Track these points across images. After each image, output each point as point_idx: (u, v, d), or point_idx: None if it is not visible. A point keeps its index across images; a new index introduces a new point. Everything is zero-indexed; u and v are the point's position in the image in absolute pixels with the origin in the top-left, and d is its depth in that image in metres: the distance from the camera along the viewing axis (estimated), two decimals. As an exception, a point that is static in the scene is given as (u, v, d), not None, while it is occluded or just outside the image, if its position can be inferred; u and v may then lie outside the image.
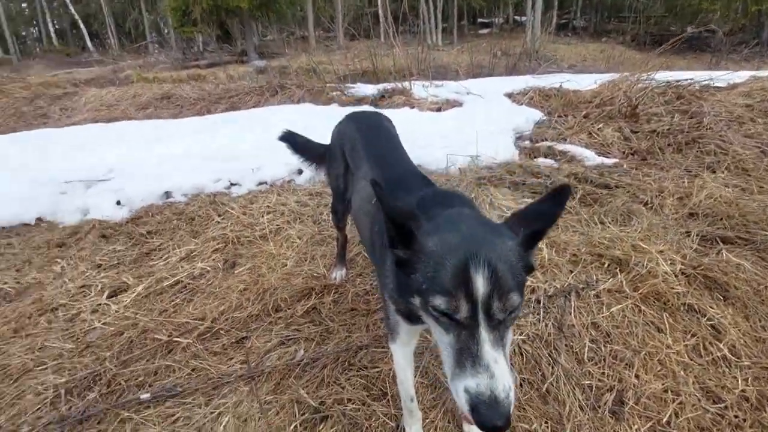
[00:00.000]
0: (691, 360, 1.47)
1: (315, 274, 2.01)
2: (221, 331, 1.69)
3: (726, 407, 1.32)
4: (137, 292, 1.91)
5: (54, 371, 1.52)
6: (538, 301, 1.68)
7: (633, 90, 3.81)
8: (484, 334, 0.64)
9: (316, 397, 1.42)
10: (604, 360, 1.48)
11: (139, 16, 28.73)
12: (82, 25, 26.84)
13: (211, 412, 1.37)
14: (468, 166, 2.93)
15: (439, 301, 0.65)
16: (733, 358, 1.47)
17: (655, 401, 1.35)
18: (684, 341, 1.53)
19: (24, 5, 33.87)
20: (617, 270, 1.82)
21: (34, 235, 2.51)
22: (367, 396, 1.42)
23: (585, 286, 1.74)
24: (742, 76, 4.86)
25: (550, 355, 1.50)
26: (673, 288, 1.70)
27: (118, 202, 2.87)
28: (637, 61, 7.41)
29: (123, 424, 1.35)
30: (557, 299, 1.69)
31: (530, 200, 2.44)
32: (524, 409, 1.35)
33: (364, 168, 1.37)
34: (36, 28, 36.73)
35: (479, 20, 25.40)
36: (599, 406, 1.33)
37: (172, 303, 1.86)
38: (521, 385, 1.42)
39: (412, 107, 4.87)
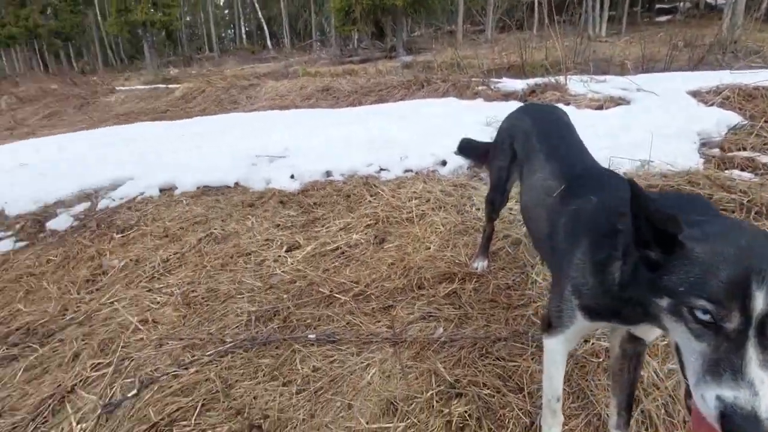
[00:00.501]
0: None
1: (457, 261, 2.09)
2: (372, 296, 1.90)
3: None
4: (306, 251, 2.28)
5: (248, 301, 1.94)
6: None
7: None
8: (752, 352, 0.63)
9: (452, 374, 1.50)
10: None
11: (309, 18, 32.63)
12: (265, 27, 31.65)
13: (361, 362, 1.57)
14: (636, 171, 2.61)
15: (705, 307, 0.65)
16: None
17: None
18: None
19: (226, 11, 41.54)
20: None
21: (233, 196, 3.16)
22: (503, 386, 1.44)
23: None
24: None
25: None
26: None
27: (292, 176, 3.40)
28: None
29: (293, 354, 1.64)
30: None
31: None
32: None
33: (540, 162, 1.37)
34: (232, 30, 45.00)
35: (657, 6, 21.76)
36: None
37: (333, 265, 2.16)
38: None
39: (568, 104, 4.51)
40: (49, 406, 1.53)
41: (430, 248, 2.22)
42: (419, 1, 15.74)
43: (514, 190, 1.78)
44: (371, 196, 2.85)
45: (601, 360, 1.50)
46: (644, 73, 6.11)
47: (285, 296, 1.95)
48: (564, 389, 1.41)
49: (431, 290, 1.91)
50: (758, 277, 0.62)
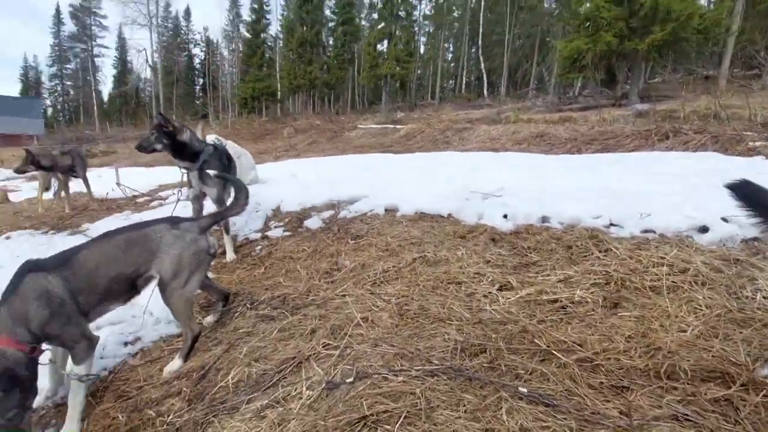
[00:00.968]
0: None
1: (732, 359, 1.55)
2: (600, 367, 1.60)
3: None
4: (520, 294, 2.13)
5: (456, 329, 1.92)
6: None
7: None
8: None
9: None
10: None
11: (529, 68, 32.81)
12: (484, 77, 33.41)
13: (583, 443, 1.31)
14: None
15: None
16: None
17: None
18: None
19: (452, 64, 45.89)
20: None
21: (446, 225, 3.30)
22: None
23: None
24: None
25: None
26: None
27: (505, 216, 3.33)
28: None
29: (499, 401, 1.51)
30: None
31: None
32: None
33: None
34: (453, 81, 49.47)
35: None
36: None
37: (550, 317, 1.94)
38: None
39: None
40: (290, 366, 1.85)
41: (686, 331, 1.73)
42: (669, 43, 13.62)
43: None
44: (600, 252, 2.48)
45: None
46: None
47: (494, 335, 1.85)
48: None
49: (690, 386, 1.46)
50: None
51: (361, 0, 37.28)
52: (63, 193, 5.77)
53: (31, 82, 57.70)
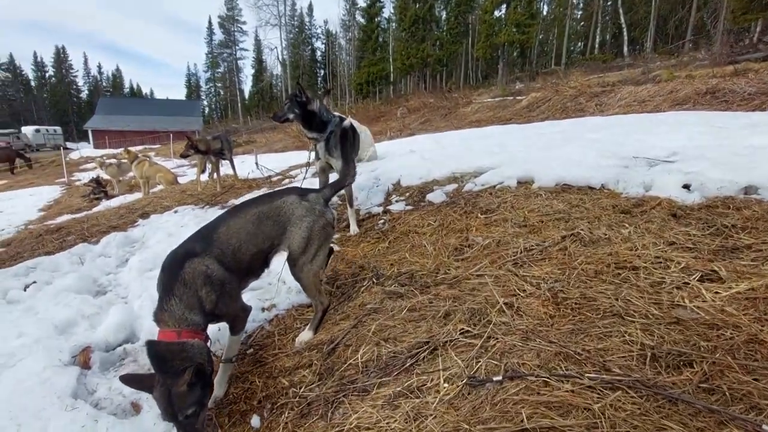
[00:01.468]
0: None
1: None
2: None
3: None
4: (738, 289, 1.52)
5: (641, 329, 1.45)
6: None
7: None
8: None
9: None
10: None
11: (686, 15, 26.89)
12: (625, 33, 28.56)
13: None
14: None
15: None
16: None
17: None
18: None
19: (581, 24, 40.39)
20: None
21: (600, 198, 2.69)
22: None
23: None
24: None
25: None
26: None
27: (686, 186, 2.56)
28: None
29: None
30: None
31: None
32: None
33: None
34: (582, 43, 43.50)
35: None
36: None
37: (800, 324, 1.32)
38: None
39: None
40: (423, 351, 1.62)
41: None
42: None
43: None
44: None
45: None
46: None
47: (704, 343, 1.33)
48: None
49: None
50: None
51: (476, -34, 34.93)
52: (215, 175, 6.61)
53: (192, 87, 69.59)
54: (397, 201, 3.60)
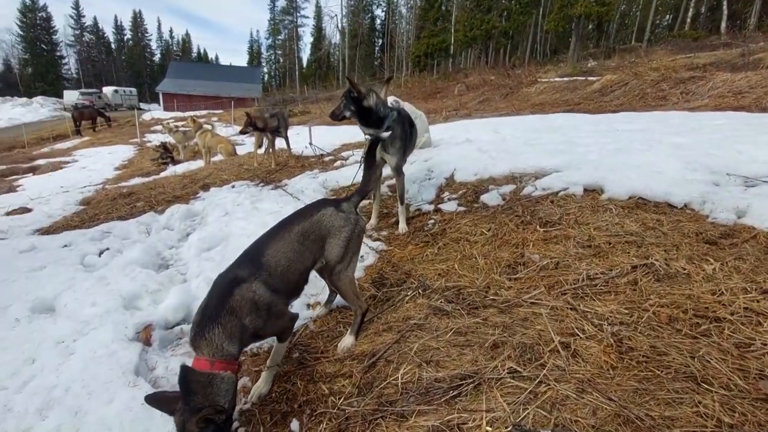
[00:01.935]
0: None
1: None
2: None
3: None
4: None
5: (719, 400, 1.27)
6: None
7: None
8: None
9: None
10: None
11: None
12: (724, 5, 25.03)
13: None
14: None
15: None
16: None
17: None
18: None
19: (673, -6, 35.91)
20: None
21: (682, 222, 2.40)
22: None
23: None
24: None
25: None
26: None
27: (794, 216, 2.21)
28: None
29: None
30: None
31: None
32: None
33: None
34: (670, 15, 38.75)
35: None
36: None
37: None
38: None
39: None
40: (467, 385, 1.55)
41: None
42: None
43: None
44: None
45: None
46: None
47: (801, 433, 1.14)
48: None
49: None
50: None
51: (556, -73, 31.74)
52: (271, 150, 6.78)
53: (254, 54, 71.31)
54: (449, 199, 3.47)
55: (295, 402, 1.82)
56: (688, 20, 30.39)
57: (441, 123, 9.62)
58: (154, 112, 37.61)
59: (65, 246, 3.97)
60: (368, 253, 2.89)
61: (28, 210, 6.53)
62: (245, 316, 1.61)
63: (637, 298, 1.80)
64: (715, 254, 2.04)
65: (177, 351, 2.34)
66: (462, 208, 3.24)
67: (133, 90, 49.38)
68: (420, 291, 2.27)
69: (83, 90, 43.27)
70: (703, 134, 3.95)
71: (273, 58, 66.40)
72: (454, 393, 1.54)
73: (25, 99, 42.90)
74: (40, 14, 57.16)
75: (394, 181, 3.46)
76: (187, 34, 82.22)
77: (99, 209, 5.83)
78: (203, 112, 32.91)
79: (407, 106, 5.46)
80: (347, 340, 2.05)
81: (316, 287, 2.65)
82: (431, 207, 3.41)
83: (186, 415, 1.40)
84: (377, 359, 1.86)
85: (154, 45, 74.72)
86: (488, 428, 1.37)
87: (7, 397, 1.97)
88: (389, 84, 3.57)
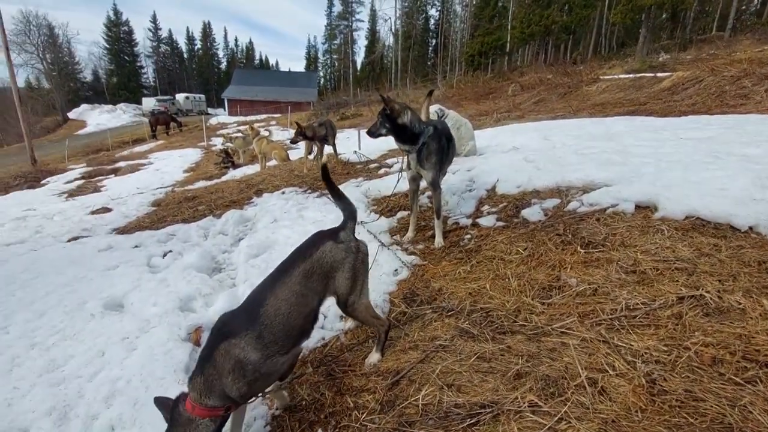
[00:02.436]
0: None
1: None
2: None
3: None
4: None
5: (763, 461, 1.17)
6: None
7: None
8: None
9: None
10: None
11: None
12: (831, -15, 21.86)
13: None
14: None
15: None
16: None
17: None
18: None
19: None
20: None
21: (743, 247, 2.18)
22: None
23: None
24: None
25: None
26: None
27: None
28: None
29: None
30: None
31: None
32: None
33: None
34: (758, 0, 34.45)
35: None
36: None
37: None
38: None
39: None
40: (486, 414, 1.55)
41: None
42: None
43: None
44: None
45: None
46: None
47: None
48: None
49: None
50: None
51: None
52: (320, 157, 7.06)
53: (311, 59, 74.02)
54: (488, 213, 3.41)
55: (323, 412, 1.92)
56: (785, 4, 26.87)
57: (490, 127, 9.40)
58: (220, 116, 40.45)
59: (136, 246, 4.44)
60: (402, 267, 2.94)
61: (109, 210, 7.37)
62: (227, 374, 1.54)
63: (679, 334, 1.68)
64: (778, 287, 1.84)
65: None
66: (500, 224, 3.17)
67: (202, 96, 53.42)
68: (449, 310, 2.27)
69: (159, 97, 47.60)
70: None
71: (329, 62, 68.49)
72: (472, 421, 1.55)
73: (110, 106, 48.18)
74: (123, 28, 63.65)
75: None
76: (251, 42, 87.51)
77: (167, 211, 6.43)
78: (263, 116, 34.78)
79: (452, 114, 5.42)
80: (373, 357, 2.11)
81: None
82: (469, 221, 3.38)
83: None
84: (401, 377, 1.91)
85: (221, 53, 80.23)
86: (503, 461, 1.37)
87: (80, 384, 2.28)
88: (431, 97, 3.59)
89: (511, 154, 5.01)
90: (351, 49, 58.21)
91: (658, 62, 18.27)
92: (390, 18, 48.46)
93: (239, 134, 12.00)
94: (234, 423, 1.83)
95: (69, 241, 5.23)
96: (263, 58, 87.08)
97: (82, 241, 5.05)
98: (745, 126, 4.52)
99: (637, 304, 1.90)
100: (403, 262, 2.96)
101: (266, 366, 1.63)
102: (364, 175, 5.88)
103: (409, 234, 3.39)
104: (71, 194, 11.51)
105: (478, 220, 3.32)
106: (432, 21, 55.68)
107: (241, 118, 35.98)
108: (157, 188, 10.05)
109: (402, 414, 1.72)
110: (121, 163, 16.92)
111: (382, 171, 5.88)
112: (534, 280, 2.32)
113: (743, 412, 1.31)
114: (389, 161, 6.44)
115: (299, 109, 35.08)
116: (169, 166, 15.06)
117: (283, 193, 5.83)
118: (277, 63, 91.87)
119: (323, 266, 1.83)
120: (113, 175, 14.65)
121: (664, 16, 28.99)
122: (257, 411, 2.04)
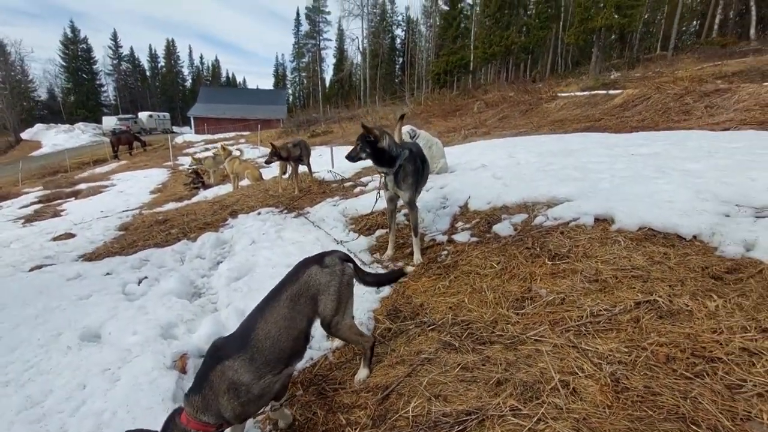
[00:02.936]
0: None
1: None
2: None
3: None
4: (841, 414, 1.34)
5: (709, 444, 1.35)
6: None
7: None
8: None
9: None
10: None
11: None
12: (753, 10, 24.35)
13: None
14: None
15: None
16: None
17: None
18: None
19: None
20: None
21: (689, 254, 2.45)
22: None
23: None
24: None
25: None
26: None
27: (802, 251, 2.23)
28: None
29: None
30: None
31: None
32: None
33: None
34: (697, 22, 37.84)
35: None
36: None
37: None
38: None
39: None
40: (472, 420, 1.67)
41: None
42: None
43: None
44: None
45: None
46: None
47: (784, 478, 1.21)
48: None
49: None
50: None
51: (573, -58, 31.85)
52: (294, 177, 7.12)
53: (279, 76, 74.01)
54: (462, 229, 3.60)
55: (317, 431, 1.98)
56: (716, 26, 29.64)
57: (459, 144, 9.78)
58: (186, 135, 39.49)
59: (107, 274, 4.32)
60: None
61: (72, 235, 7.06)
62: (222, 394, 1.63)
63: (637, 336, 1.88)
64: (719, 290, 2.09)
65: (209, 379, 2.55)
66: (474, 239, 3.36)
67: (167, 114, 52.08)
68: (431, 325, 2.40)
69: (120, 116, 45.99)
70: (719, 159, 3.94)
71: (297, 79, 68.70)
72: (460, 428, 1.66)
73: (67, 126, 46.04)
74: (81, 46, 61.44)
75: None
76: (217, 60, 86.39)
77: (137, 235, 6.25)
78: (231, 134, 34.27)
79: (423, 134, 5.66)
80: (362, 373, 2.20)
81: (335, 318, 2.83)
82: (445, 237, 3.55)
83: None
84: (390, 392, 2.00)
85: (186, 71, 78.79)
86: (490, 463, 1.49)
87: (62, 420, 2.22)
88: (403, 120, 3.78)
89: (479, 171, 5.28)
90: (319, 67, 58.76)
91: (609, 80, 19.64)
92: (357, 37, 49.50)
93: (209, 154, 11.86)
94: None
95: (31, 270, 4.99)
96: (230, 75, 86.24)
97: (47, 270, 4.84)
98: (686, 142, 5.00)
99: (600, 310, 2.11)
100: (384, 279, 3.08)
101: (258, 386, 1.72)
102: (339, 194, 5.99)
103: (389, 252, 3.52)
104: (28, 219, 10.92)
105: (453, 237, 3.50)
106: (398, 40, 57.31)
107: (209, 137, 35.34)
108: (123, 211, 9.71)
109: (393, 427, 1.82)
110: (82, 185, 16.19)
111: (357, 190, 6.01)
112: (508, 292, 2.50)
113: (694, 403, 1.50)
114: (363, 179, 6.59)
115: (269, 127, 34.83)
116: (133, 187, 14.57)
117: (259, 213, 5.83)
118: (244, 80, 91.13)
119: (310, 289, 1.94)
120: (73, 198, 14.01)
121: (613, 37, 31.22)
122: (250, 434, 2.07)
